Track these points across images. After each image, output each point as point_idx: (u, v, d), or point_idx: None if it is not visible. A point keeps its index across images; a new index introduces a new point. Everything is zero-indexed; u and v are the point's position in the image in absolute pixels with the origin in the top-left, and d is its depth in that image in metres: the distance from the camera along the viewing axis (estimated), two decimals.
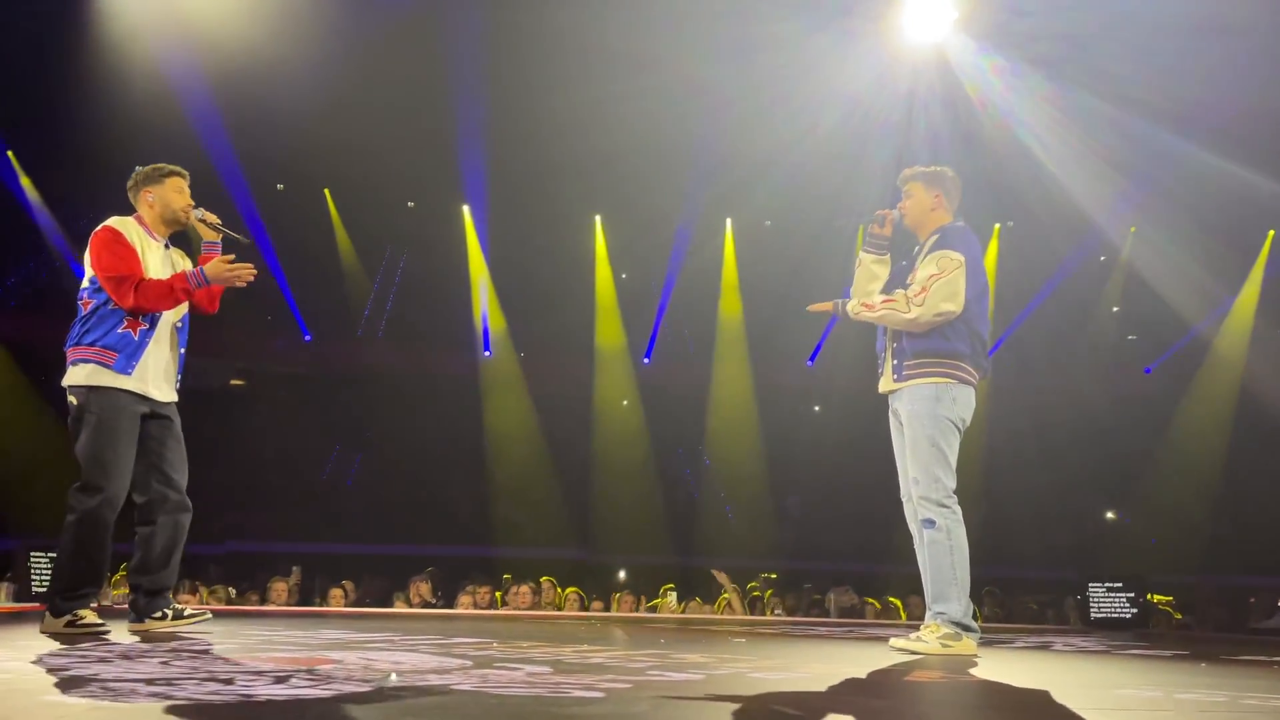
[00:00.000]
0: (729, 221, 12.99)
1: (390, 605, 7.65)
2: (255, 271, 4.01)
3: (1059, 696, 2.67)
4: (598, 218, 12.97)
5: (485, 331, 13.10)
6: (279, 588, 7.49)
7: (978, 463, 12.60)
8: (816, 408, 14.25)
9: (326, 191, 12.07)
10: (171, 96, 9.67)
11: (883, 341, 4.21)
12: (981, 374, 4.05)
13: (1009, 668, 3.50)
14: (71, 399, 3.89)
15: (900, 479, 4.16)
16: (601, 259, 13.18)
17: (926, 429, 3.93)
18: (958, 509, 3.90)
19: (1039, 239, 11.76)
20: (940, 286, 3.92)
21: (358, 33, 9.27)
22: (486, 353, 13.11)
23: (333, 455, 13.37)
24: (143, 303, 3.86)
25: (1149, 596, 8.67)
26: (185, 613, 4.05)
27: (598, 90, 9.58)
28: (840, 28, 9.12)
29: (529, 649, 3.52)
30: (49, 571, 5.90)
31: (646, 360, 13.65)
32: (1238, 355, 12.23)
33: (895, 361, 4.07)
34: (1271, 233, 12.22)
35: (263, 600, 7.46)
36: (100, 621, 3.84)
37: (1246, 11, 8.36)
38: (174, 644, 3.42)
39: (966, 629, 3.82)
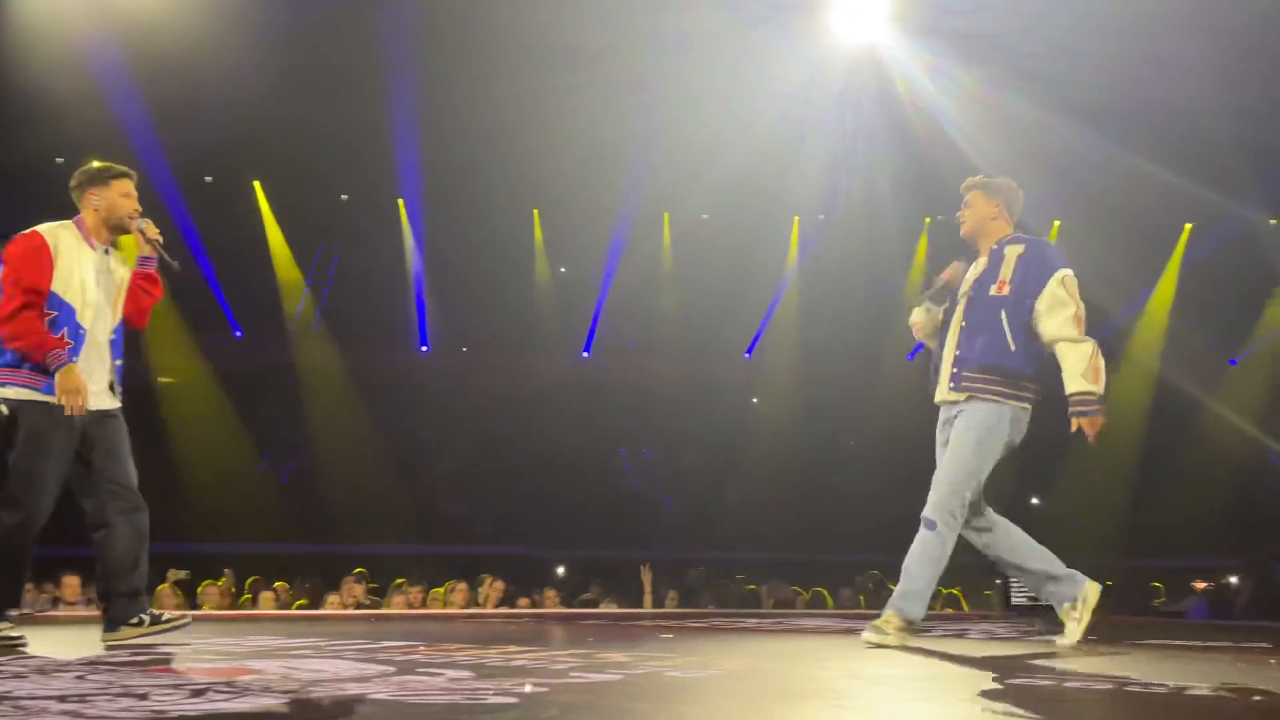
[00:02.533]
0: (667, 215, 13.08)
1: (322, 607, 7.59)
2: (80, 406, 3.72)
3: (948, 687, 2.80)
4: (536, 211, 12.97)
5: (422, 326, 13.03)
6: (210, 591, 7.39)
7: (906, 450, 12.93)
8: (755, 399, 14.45)
9: (257, 184, 11.88)
10: (92, 86, 9.42)
11: (939, 352, 4.09)
12: (1040, 388, 3.99)
13: (912, 657, 3.63)
14: (1, 408, 3.75)
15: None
16: (540, 252, 13.19)
17: (972, 442, 3.89)
18: (959, 526, 3.91)
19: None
20: (1081, 310, 3.88)
21: (289, 21, 9.11)
22: (424, 347, 13.04)
23: (266, 454, 13.18)
24: (8, 329, 3.68)
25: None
26: (164, 618, 3.90)
27: (535, 81, 9.57)
28: (776, 23, 9.24)
29: (455, 651, 3.55)
30: None
31: (586, 354, 13.70)
32: (1154, 345, 12.68)
33: (955, 370, 3.97)
34: (1188, 227, 12.68)
35: (191, 605, 7.35)
36: (18, 635, 3.77)
37: (1163, 15, 8.66)
38: (94, 656, 3.38)
39: (916, 630, 3.92)
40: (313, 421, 12.70)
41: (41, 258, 3.76)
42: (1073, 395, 3.83)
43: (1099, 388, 3.82)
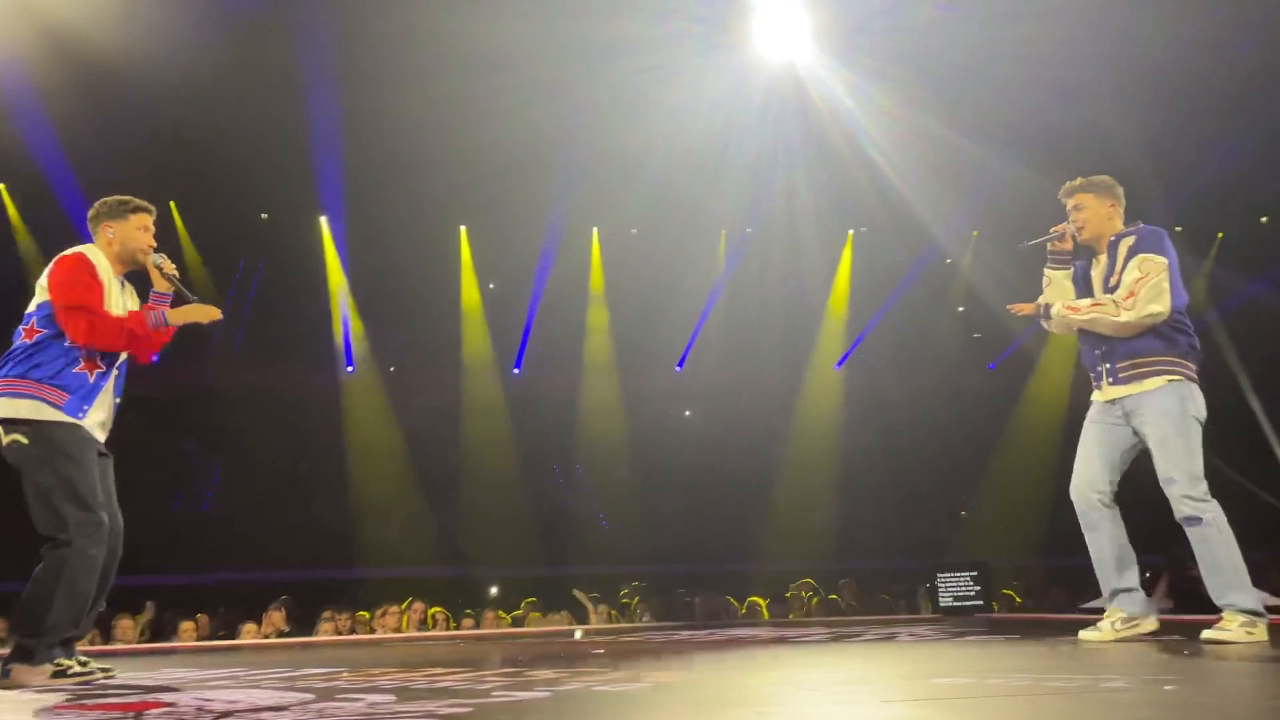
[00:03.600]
0: (595, 230, 13.09)
1: (237, 637, 7.35)
2: (220, 314, 3.87)
3: (874, 690, 2.83)
4: (463, 227, 12.86)
5: (348, 346, 12.78)
6: (124, 625, 7.10)
7: (835, 459, 13.15)
8: (687, 412, 14.50)
9: (172, 204, 11.54)
10: None
11: (1092, 354, 4.22)
12: (1195, 360, 4.06)
13: (844, 661, 3.67)
14: (17, 437, 3.56)
15: (1091, 474, 4.16)
16: (467, 269, 13.06)
17: (1180, 427, 3.92)
18: (1215, 503, 3.89)
19: (888, 245, 12.34)
20: (1147, 290, 3.95)
21: (204, 39, 8.88)
22: (349, 368, 12.79)
23: (186, 481, 12.76)
24: (94, 339, 3.64)
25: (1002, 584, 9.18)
26: (91, 666, 3.71)
27: (459, 96, 9.47)
28: (698, 35, 9.31)
29: (379, 676, 3.47)
30: None
31: (516, 370, 13.60)
32: (1071, 346, 13.07)
33: (1108, 365, 4.10)
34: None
35: (106, 639, 7.06)
36: (91, 667, 3.64)
37: (1069, 44, 9.01)
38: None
39: (1258, 615, 3.82)
40: (234, 446, 12.34)
41: (88, 276, 3.71)
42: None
43: (1057, 304, 4.19)
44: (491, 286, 13.40)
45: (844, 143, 10.36)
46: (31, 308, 3.73)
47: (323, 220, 12.16)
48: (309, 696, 2.85)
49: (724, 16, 9.21)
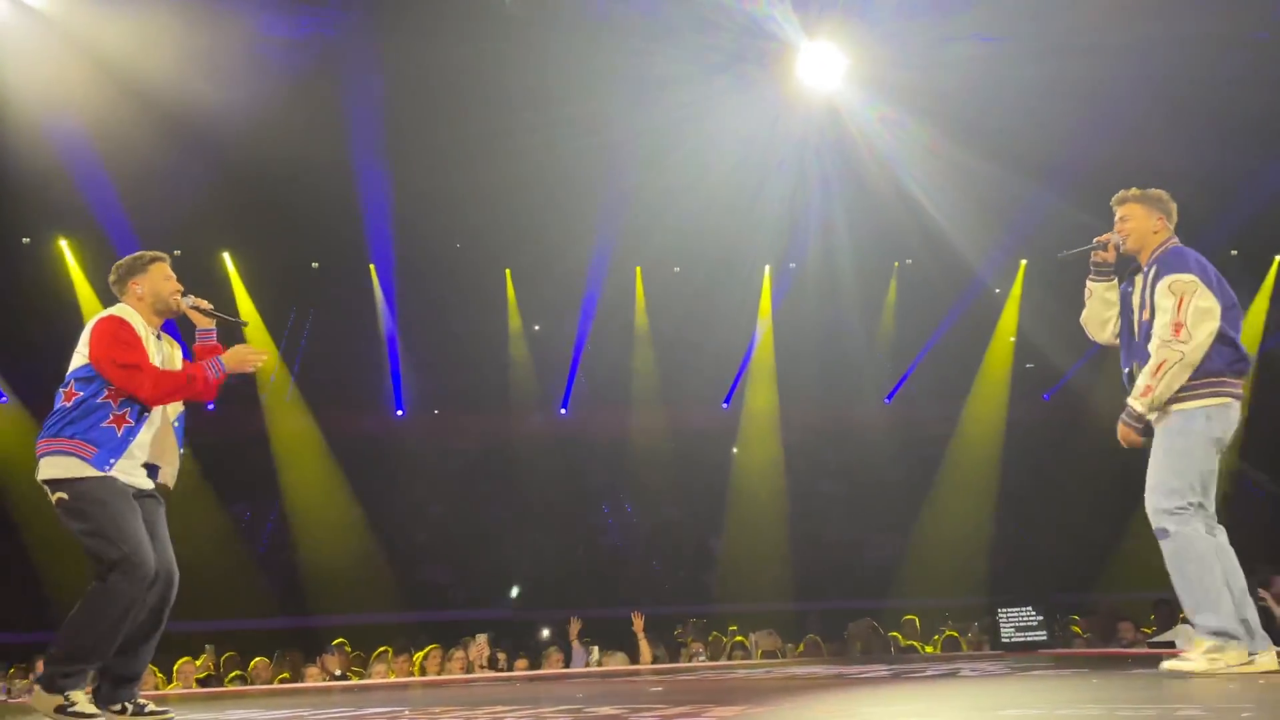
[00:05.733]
0: (639, 269, 13.18)
1: (301, 680, 7.40)
2: (266, 355, 3.96)
3: None
4: (508, 270, 13.02)
5: (398, 390, 12.96)
6: (186, 670, 7.19)
7: (887, 494, 12.94)
8: (734, 449, 14.42)
9: (227, 254, 11.86)
10: (57, 164, 9.40)
11: (1128, 368, 4.07)
12: (1242, 380, 3.92)
13: (909, 696, 3.60)
14: (60, 494, 3.65)
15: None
16: (513, 311, 13.21)
17: (1174, 442, 3.83)
18: (1193, 520, 3.78)
19: (932, 278, 12.24)
20: (1193, 314, 3.77)
21: (252, 91, 9.14)
22: (400, 412, 12.94)
23: (241, 526, 12.94)
24: (159, 393, 3.70)
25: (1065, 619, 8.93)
26: (147, 708, 3.74)
27: (502, 138, 9.63)
28: (737, 72, 9.38)
29: (440, 715, 3.48)
30: None
31: (563, 410, 13.66)
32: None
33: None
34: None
35: (168, 683, 7.14)
36: (95, 711, 3.61)
37: (1108, 79, 8.94)
38: None
39: (1231, 636, 3.68)
40: (288, 492, 12.51)
41: (129, 334, 3.77)
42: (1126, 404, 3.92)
43: (1138, 404, 3.85)
44: (537, 329, 13.52)
45: (883, 177, 10.33)
46: (70, 369, 3.78)
47: (372, 268, 12.39)
48: None
49: (763, 53, 9.27)
